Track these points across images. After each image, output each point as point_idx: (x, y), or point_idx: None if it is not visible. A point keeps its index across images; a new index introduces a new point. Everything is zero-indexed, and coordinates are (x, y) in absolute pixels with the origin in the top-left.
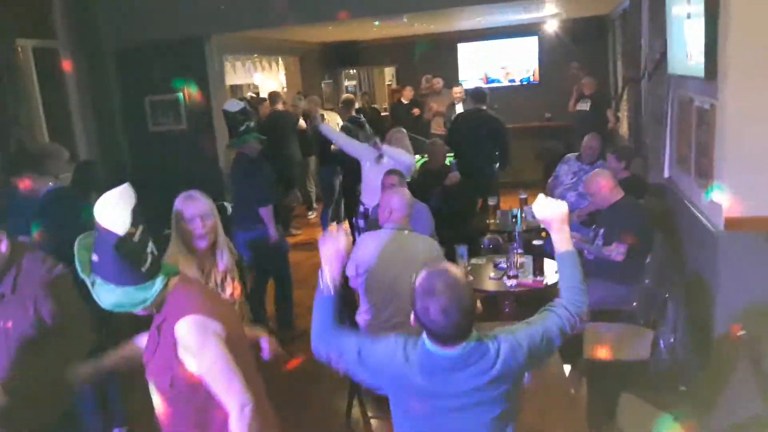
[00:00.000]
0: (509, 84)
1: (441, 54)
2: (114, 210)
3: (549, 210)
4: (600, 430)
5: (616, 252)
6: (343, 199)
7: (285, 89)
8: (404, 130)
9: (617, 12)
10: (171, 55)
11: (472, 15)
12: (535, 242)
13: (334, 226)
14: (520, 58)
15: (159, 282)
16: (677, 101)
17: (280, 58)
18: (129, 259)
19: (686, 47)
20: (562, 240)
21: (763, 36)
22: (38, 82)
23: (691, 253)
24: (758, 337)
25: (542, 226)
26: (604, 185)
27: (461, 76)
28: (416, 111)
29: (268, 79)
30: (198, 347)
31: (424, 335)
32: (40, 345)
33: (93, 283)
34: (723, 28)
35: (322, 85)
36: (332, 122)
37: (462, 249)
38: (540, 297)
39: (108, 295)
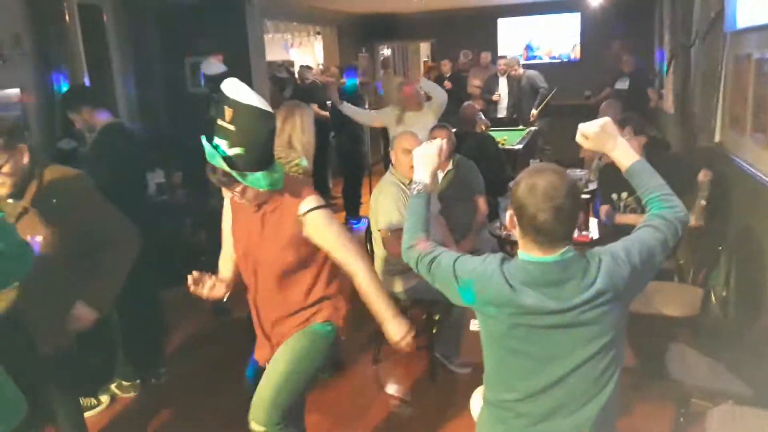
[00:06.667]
0: (550, 61)
1: (480, 29)
2: (247, 89)
3: (595, 132)
4: (650, 378)
5: None
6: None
7: (321, 65)
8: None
9: None
10: (212, 16)
11: None
12: (582, 196)
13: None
14: (562, 34)
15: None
16: (733, 59)
17: (317, 32)
18: (271, 134)
19: None
20: (625, 154)
21: None
22: (83, 38)
23: (743, 211)
24: None
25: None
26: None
27: (500, 52)
28: (447, 84)
29: (304, 54)
30: (325, 222)
31: (519, 250)
32: (76, 262)
33: (243, 176)
34: None
35: (359, 57)
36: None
37: (505, 201)
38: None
39: (261, 179)
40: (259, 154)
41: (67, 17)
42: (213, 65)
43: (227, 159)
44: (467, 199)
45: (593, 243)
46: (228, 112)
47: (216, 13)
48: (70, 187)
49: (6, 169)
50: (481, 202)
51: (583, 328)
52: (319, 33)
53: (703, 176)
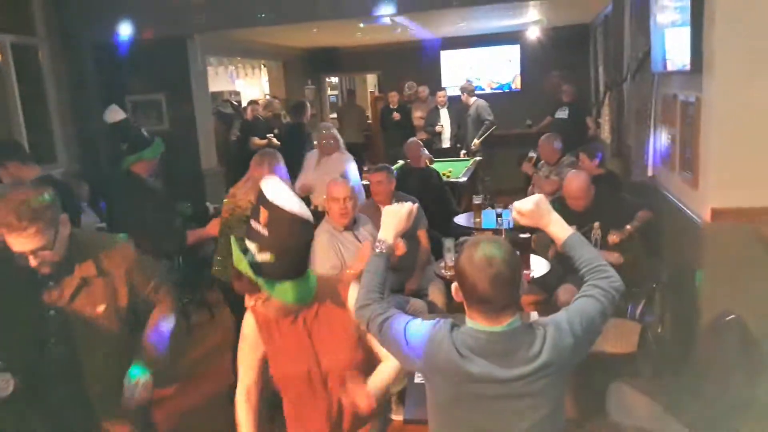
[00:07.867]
0: (492, 91)
1: (424, 61)
2: (287, 191)
3: (529, 209)
4: (589, 418)
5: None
6: None
7: (268, 96)
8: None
9: (599, 20)
10: (153, 54)
11: (456, 20)
12: (522, 236)
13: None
14: (503, 65)
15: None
16: (661, 99)
17: (263, 65)
18: (307, 243)
19: (671, 44)
20: (560, 228)
21: (746, 27)
22: (17, 78)
23: (675, 246)
24: (744, 325)
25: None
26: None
27: (444, 83)
28: (396, 116)
29: (251, 86)
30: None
31: (467, 317)
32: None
33: (272, 287)
34: (708, 21)
35: (305, 89)
36: None
37: (449, 241)
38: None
39: (290, 291)
40: (290, 263)
41: None
42: (114, 113)
43: (254, 265)
44: (410, 236)
45: (536, 280)
46: (263, 213)
47: (157, 50)
48: (120, 254)
49: (56, 249)
50: (423, 237)
51: (528, 398)
52: (264, 65)
53: (643, 214)
